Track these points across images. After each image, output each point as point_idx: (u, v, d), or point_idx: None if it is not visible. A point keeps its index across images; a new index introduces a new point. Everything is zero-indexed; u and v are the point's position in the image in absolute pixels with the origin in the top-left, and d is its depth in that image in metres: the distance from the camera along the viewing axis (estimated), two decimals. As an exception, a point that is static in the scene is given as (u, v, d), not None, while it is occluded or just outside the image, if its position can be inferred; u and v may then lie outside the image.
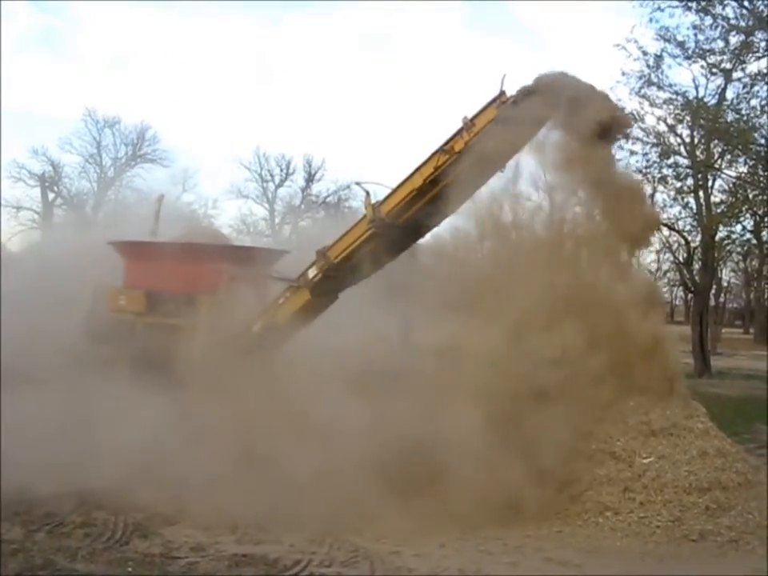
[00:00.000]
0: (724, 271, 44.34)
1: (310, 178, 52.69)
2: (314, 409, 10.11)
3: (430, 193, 11.14)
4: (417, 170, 11.03)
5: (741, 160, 20.95)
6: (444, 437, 8.88)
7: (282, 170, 53.19)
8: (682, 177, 21.84)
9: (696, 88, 22.18)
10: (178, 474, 8.95)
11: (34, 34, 65.94)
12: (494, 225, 10.72)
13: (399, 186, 11.35)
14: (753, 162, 19.73)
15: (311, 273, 12.66)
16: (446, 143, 10.66)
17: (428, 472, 8.34)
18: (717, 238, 25.53)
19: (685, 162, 21.96)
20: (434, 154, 10.81)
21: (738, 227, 24.87)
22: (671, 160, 21.32)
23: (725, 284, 49.27)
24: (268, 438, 9.42)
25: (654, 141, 20.87)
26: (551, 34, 72.39)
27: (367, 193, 11.85)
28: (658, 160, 20.90)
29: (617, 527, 7.54)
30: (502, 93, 10.07)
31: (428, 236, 19.17)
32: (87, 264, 16.44)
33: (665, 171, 21.17)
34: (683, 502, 7.65)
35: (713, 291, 42.35)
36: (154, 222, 19.92)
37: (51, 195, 46.77)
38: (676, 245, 27.66)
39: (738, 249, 27.09)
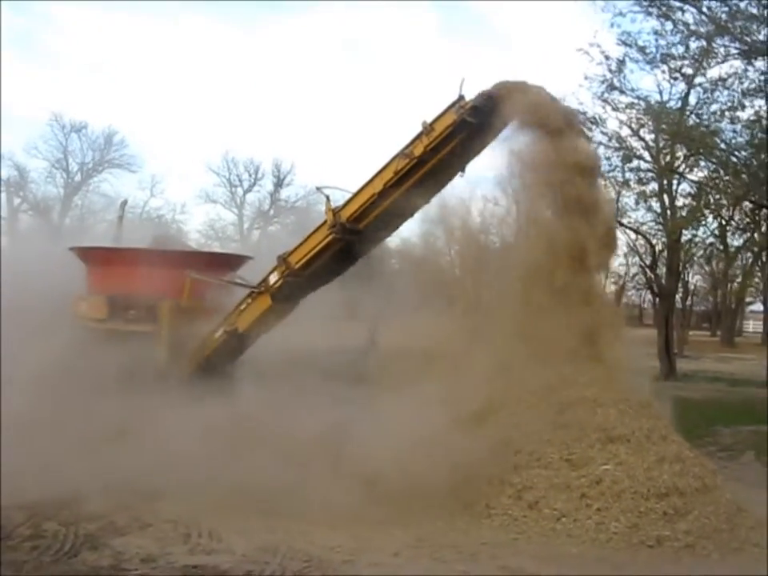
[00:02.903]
0: (690, 274, 44.85)
1: (278, 183, 52.64)
2: (272, 414, 10.05)
3: (390, 197, 11.10)
4: (377, 174, 10.99)
5: (702, 164, 21.18)
6: (402, 441, 8.86)
7: (250, 175, 53.15)
8: (645, 181, 22.00)
9: (660, 93, 22.41)
10: (132, 481, 8.90)
11: (6, 36, 65.21)
12: (462, 229, 10.71)
13: (359, 191, 11.30)
14: (714, 166, 19.90)
15: (272, 278, 12.59)
16: (406, 147, 10.63)
17: (384, 479, 8.29)
18: (682, 240, 25.77)
19: (647, 165, 22.14)
20: (393, 159, 10.77)
21: (701, 231, 25.08)
22: (634, 164, 21.46)
23: (691, 287, 49.81)
24: (224, 445, 9.36)
25: (616, 145, 21.01)
26: (520, 38, 72.72)
27: (327, 198, 11.79)
28: (620, 164, 21.04)
29: (573, 534, 7.47)
30: (461, 97, 10.06)
31: (397, 240, 19.06)
32: (55, 271, 16.27)
33: (627, 175, 21.32)
34: (641, 508, 7.59)
35: (679, 294, 42.77)
36: (117, 227, 19.78)
37: (17, 200, 46.32)
38: (643, 248, 27.87)
39: (701, 252, 27.27)
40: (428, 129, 10.39)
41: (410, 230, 12.33)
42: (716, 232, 24.35)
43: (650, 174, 22.11)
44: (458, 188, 11.11)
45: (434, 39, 74.27)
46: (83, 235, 41.09)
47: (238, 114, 71.37)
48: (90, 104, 73.31)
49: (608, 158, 20.85)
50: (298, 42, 74.14)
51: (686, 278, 43.69)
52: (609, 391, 8.75)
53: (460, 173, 10.95)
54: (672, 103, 21.70)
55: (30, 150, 47.05)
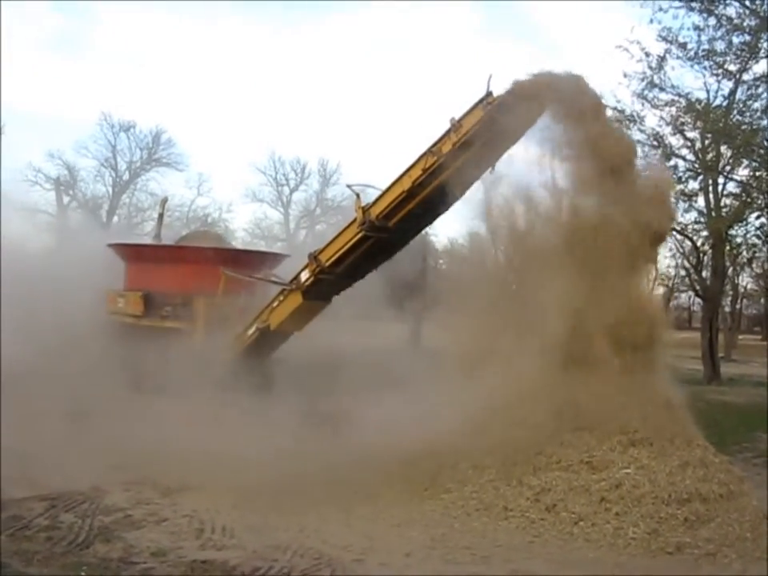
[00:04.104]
0: (741, 277, 43.84)
1: (325, 182, 52.69)
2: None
3: (419, 195, 11.06)
4: (405, 172, 10.97)
5: (744, 163, 20.61)
6: (430, 442, 8.82)
7: (296, 174, 53.25)
8: (684, 179, 21.51)
9: (707, 91, 21.92)
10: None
11: (52, 36, 66.31)
12: (507, 228, 10.55)
13: (389, 189, 11.30)
14: (756, 164, 19.37)
15: (303, 276, 12.66)
16: (434, 145, 10.58)
17: (400, 479, 8.26)
18: (730, 241, 25.14)
19: (684, 164, 21.65)
20: (422, 156, 10.72)
21: (742, 230, 24.36)
22: (672, 162, 21.00)
23: (742, 290, 48.66)
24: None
25: (655, 143, 20.59)
26: (560, 35, 71.82)
27: (357, 195, 11.81)
28: (657, 163, 20.56)
29: (591, 538, 7.28)
30: (489, 93, 9.97)
31: (445, 240, 18.87)
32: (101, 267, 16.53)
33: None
34: (661, 514, 7.39)
35: (729, 297, 41.81)
36: (157, 224, 20.07)
37: (66, 199, 47.02)
38: (690, 249, 27.19)
39: (744, 252, 26.47)
40: (456, 126, 10.32)
41: (456, 230, 12.25)
42: (759, 233, 23.61)
43: (689, 173, 21.64)
44: (502, 186, 10.89)
45: (475, 38, 73.62)
46: (130, 233, 41.79)
47: (284, 114, 71.65)
48: (137, 104, 74.14)
49: (646, 156, 20.50)
50: (341, 41, 74.02)
51: (736, 281, 42.71)
52: (633, 393, 8.55)
53: (490, 169, 10.84)
54: (718, 101, 21.24)
55: (80, 150, 47.86)
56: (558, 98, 9.39)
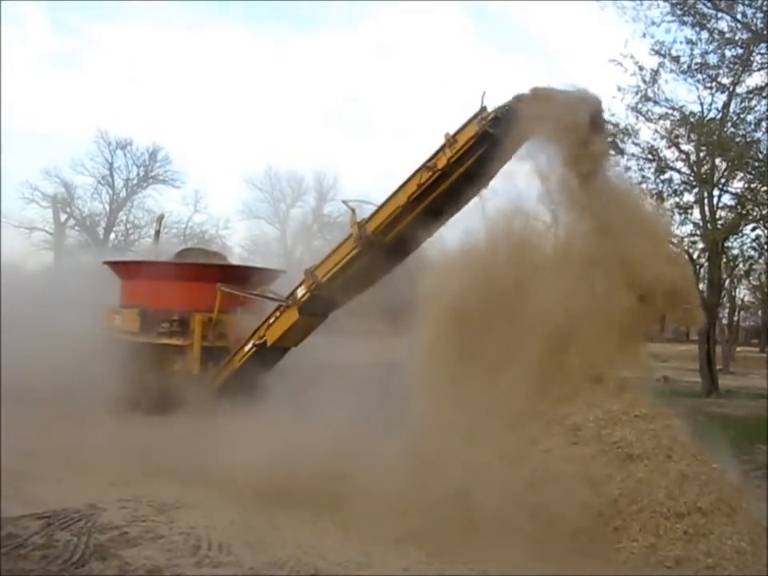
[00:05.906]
0: (739, 289, 43.92)
1: (321, 198, 52.79)
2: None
3: (415, 210, 11.06)
4: (401, 187, 11.00)
5: (739, 175, 20.72)
6: (423, 458, 8.76)
7: (293, 190, 53.37)
8: (679, 192, 21.61)
9: (701, 104, 22.04)
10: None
11: (48, 54, 66.72)
12: (504, 244, 10.53)
13: (384, 204, 11.33)
14: (751, 176, 19.47)
15: (300, 292, 12.66)
16: (429, 160, 10.61)
17: (398, 493, 8.20)
18: (728, 254, 25.18)
19: (679, 177, 21.75)
20: (417, 171, 10.74)
21: (738, 242, 24.42)
22: (667, 175, 21.10)
23: (739, 302, 48.71)
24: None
25: (649, 156, 20.67)
26: (558, 48, 72.28)
27: (353, 211, 11.82)
28: (652, 176, 20.71)
29: (589, 553, 7.26)
30: (483, 108, 9.99)
31: (439, 253, 19.01)
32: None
33: (660, 187, 20.94)
34: (659, 528, 7.39)
35: (726, 309, 41.83)
36: (153, 241, 20.12)
37: (64, 216, 47.11)
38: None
39: (740, 264, 26.49)
40: (451, 141, 10.35)
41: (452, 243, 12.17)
42: (755, 244, 23.67)
43: (684, 186, 21.73)
44: (500, 202, 10.87)
45: (474, 49, 74.22)
46: (128, 250, 41.85)
47: (280, 129, 71.97)
48: (133, 121, 74.58)
49: (640, 169, 20.64)
50: (334, 54, 74.76)
51: (733, 293, 42.80)
52: (630, 407, 8.52)
53: (485, 185, 10.85)
54: (711, 114, 21.34)
55: (77, 167, 47.99)
56: (556, 116, 9.35)
